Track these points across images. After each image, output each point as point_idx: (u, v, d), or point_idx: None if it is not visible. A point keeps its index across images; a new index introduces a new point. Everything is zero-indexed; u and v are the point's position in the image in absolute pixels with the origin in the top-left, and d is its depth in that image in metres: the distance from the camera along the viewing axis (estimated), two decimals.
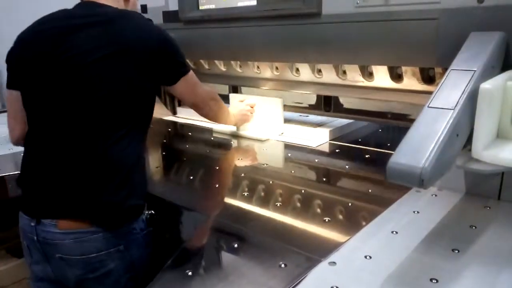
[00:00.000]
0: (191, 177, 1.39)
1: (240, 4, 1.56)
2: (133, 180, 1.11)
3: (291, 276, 0.80)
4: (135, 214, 1.13)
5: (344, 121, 1.82)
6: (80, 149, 1.06)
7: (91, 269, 1.08)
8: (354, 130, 1.81)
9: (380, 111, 1.57)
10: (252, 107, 1.79)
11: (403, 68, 1.37)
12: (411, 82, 1.39)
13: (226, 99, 2.07)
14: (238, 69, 1.86)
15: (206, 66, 2.01)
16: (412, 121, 0.86)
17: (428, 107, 0.87)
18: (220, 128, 1.87)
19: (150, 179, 1.45)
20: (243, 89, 2.03)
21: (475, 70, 0.90)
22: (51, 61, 1.06)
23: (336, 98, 1.70)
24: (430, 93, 0.91)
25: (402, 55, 1.23)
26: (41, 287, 1.17)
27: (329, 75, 1.56)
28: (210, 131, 1.95)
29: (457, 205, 1.09)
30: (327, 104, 1.73)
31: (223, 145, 1.79)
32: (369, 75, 1.49)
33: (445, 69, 0.97)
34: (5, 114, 1.22)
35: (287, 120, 1.85)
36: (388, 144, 1.53)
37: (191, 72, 1.28)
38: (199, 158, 1.63)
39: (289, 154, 1.59)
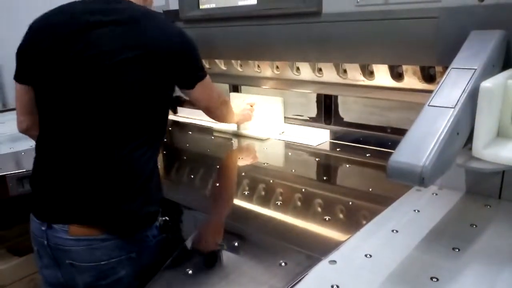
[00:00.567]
0: (191, 176, 1.39)
1: (240, 3, 1.56)
2: (150, 187, 1.07)
3: (291, 274, 0.80)
4: (150, 221, 1.10)
5: None
6: (97, 155, 1.02)
7: (102, 276, 1.04)
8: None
9: (380, 126, 1.57)
10: (252, 106, 1.78)
11: (404, 67, 1.37)
12: (411, 81, 1.38)
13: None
14: (239, 68, 1.86)
15: (207, 65, 2.00)
16: None
17: (428, 105, 0.87)
18: (220, 127, 1.87)
19: None
20: (243, 88, 2.02)
21: (475, 69, 0.90)
22: (68, 58, 1.00)
23: (336, 111, 1.70)
24: (430, 91, 0.91)
25: (403, 53, 1.23)
26: None
27: (329, 74, 1.56)
28: (210, 130, 1.95)
29: (458, 204, 1.08)
30: (327, 117, 1.73)
31: (223, 144, 1.79)
32: (369, 74, 1.49)
33: (445, 68, 0.97)
34: (5, 113, 1.20)
35: (287, 119, 1.84)
36: (389, 143, 1.53)
37: (207, 76, 1.23)
38: (200, 157, 1.63)
39: (290, 153, 1.59)
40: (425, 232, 0.95)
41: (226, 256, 0.89)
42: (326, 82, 1.62)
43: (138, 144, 1.04)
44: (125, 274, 1.06)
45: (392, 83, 1.43)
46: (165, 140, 1.93)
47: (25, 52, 1.08)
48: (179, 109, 2.31)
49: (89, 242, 1.02)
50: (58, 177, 1.05)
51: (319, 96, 1.73)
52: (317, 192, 1.21)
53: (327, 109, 1.73)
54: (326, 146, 1.65)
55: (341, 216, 1.06)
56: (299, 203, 1.15)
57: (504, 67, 0.99)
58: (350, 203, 1.12)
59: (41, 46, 1.04)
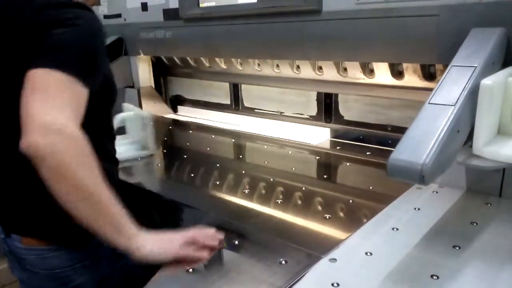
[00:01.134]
0: (192, 175, 1.39)
1: (240, 1, 1.55)
2: None
3: (291, 272, 0.80)
4: None
5: None
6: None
7: (60, 283, 1.02)
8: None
9: (380, 124, 1.57)
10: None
11: (404, 65, 1.37)
12: (412, 79, 1.38)
13: (227, 108, 2.08)
14: (239, 67, 1.86)
15: (207, 64, 2.01)
16: None
17: (428, 103, 0.87)
18: (220, 126, 1.87)
19: (150, 177, 1.45)
20: (243, 86, 2.02)
21: (475, 66, 0.90)
22: None
23: (337, 109, 1.70)
24: (430, 89, 0.91)
25: (403, 51, 1.23)
26: None
27: (330, 72, 1.56)
28: (210, 129, 1.95)
29: (458, 202, 1.08)
30: (327, 115, 1.73)
31: (223, 143, 1.79)
32: (370, 72, 1.49)
33: (445, 66, 0.97)
34: None
35: (288, 118, 1.84)
36: (389, 141, 1.53)
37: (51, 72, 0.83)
38: (199, 155, 1.63)
39: (290, 152, 1.59)
40: (426, 230, 0.94)
41: (227, 254, 0.89)
42: (326, 81, 1.62)
43: None
44: (83, 282, 1.04)
45: (392, 81, 1.43)
46: (165, 138, 1.94)
47: None
48: (180, 108, 2.32)
49: (40, 251, 1.00)
50: (4, 191, 1.00)
51: (319, 95, 1.73)
52: (317, 191, 1.21)
53: (327, 108, 1.73)
54: (327, 145, 1.65)
55: (341, 214, 1.06)
56: (299, 202, 1.14)
57: (504, 65, 0.98)
58: (351, 201, 1.12)
59: None
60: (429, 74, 1.36)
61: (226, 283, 0.79)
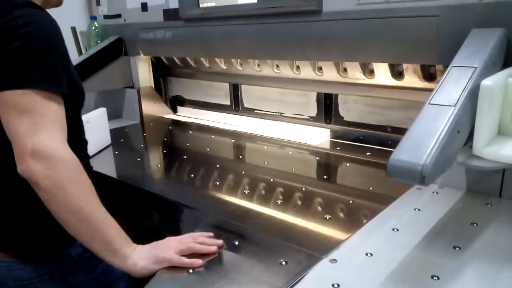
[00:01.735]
0: (192, 175, 1.39)
1: (240, 1, 1.55)
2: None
3: (292, 273, 0.80)
4: (68, 241, 0.97)
5: None
6: None
7: None
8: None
9: (380, 125, 1.57)
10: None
11: (404, 66, 1.37)
12: (412, 79, 1.38)
13: (227, 109, 2.08)
14: (239, 67, 1.86)
15: (207, 64, 2.01)
16: None
17: (429, 104, 0.87)
18: (220, 127, 1.87)
19: (150, 177, 1.45)
20: (243, 87, 2.02)
21: (476, 67, 0.90)
22: None
23: (337, 110, 1.70)
24: (430, 90, 0.91)
25: (403, 52, 1.22)
26: None
27: (330, 72, 1.56)
28: (210, 129, 1.95)
29: (458, 203, 1.08)
30: (327, 116, 1.73)
31: (223, 143, 1.78)
32: (370, 72, 1.49)
33: (446, 66, 0.97)
34: None
35: (287, 119, 1.84)
36: (389, 142, 1.53)
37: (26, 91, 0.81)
38: (199, 156, 1.63)
39: (290, 152, 1.58)
40: (426, 230, 0.94)
41: (226, 254, 0.89)
42: (326, 81, 1.61)
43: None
44: None
45: (392, 81, 1.43)
46: (165, 139, 1.94)
47: None
48: (179, 108, 2.32)
49: (7, 263, 0.98)
50: None
51: (319, 95, 1.73)
52: (317, 191, 1.21)
53: (327, 109, 1.73)
54: (326, 145, 1.65)
55: (341, 215, 1.06)
56: (299, 202, 1.14)
57: (505, 65, 0.98)
58: (351, 201, 1.12)
59: None
60: (429, 75, 1.36)
61: (226, 284, 0.79)
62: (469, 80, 0.88)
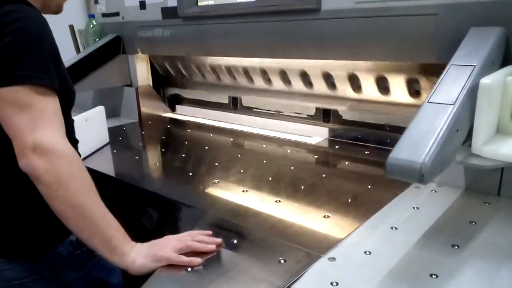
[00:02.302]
0: (190, 174, 1.38)
1: (239, 0, 1.55)
2: (44, 205, 0.83)
3: (290, 272, 0.80)
4: (57, 239, 0.98)
5: None
6: None
7: None
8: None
9: (379, 123, 1.57)
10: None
11: (390, 81, 1.42)
12: (399, 94, 1.42)
13: (225, 108, 2.08)
14: (237, 80, 1.88)
15: (200, 76, 2.03)
16: None
17: (428, 102, 0.87)
18: (219, 125, 1.87)
19: (149, 176, 1.45)
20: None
21: (474, 65, 0.90)
22: None
23: (335, 109, 1.70)
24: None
25: (402, 50, 1.23)
26: None
27: (320, 86, 1.59)
28: (209, 128, 1.94)
29: (457, 201, 1.08)
30: (326, 115, 1.73)
31: (221, 141, 1.78)
32: (358, 88, 1.51)
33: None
34: None
35: (286, 117, 1.84)
36: (388, 141, 1.53)
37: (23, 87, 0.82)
38: (197, 154, 1.62)
39: (288, 151, 1.58)
40: (425, 229, 0.94)
41: (225, 253, 0.89)
42: (317, 94, 1.67)
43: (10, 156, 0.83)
44: None
45: (380, 96, 1.47)
46: (163, 137, 1.93)
47: None
48: (178, 107, 2.32)
49: None
50: None
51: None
52: (316, 189, 1.21)
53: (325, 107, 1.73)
54: (325, 144, 1.64)
55: (340, 213, 1.06)
56: (298, 200, 1.14)
57: (503, 64, 0.98)
58: (349, 200, 1.12)
59: None
60: (414, 92, 1.39)
61: (225, 282, 0.79)
62: (468, 78, 0.88)
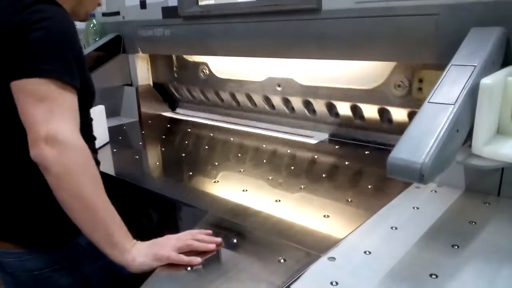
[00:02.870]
0: (190, 173, 1.38)
1: None
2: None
3: (290, 271, 0.80)
4: (76, 230, 0.93)
5: None
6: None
7: (41, 284, 1.02)
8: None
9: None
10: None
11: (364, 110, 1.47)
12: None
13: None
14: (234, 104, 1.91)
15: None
16: None
17: (428, 102, 0.87)
18: (219, 124, 1.87)
19: (149, 175, 1.45)
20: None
21: (475, 66, 0.90)
22: None
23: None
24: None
25: (403, 51, 1.23)
26: None
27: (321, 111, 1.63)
28: (209, 127, 1.94)
29: (457, 201, 1.08)
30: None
31: (222, 141, 1.78)
32: (360, 117, 1.55)
33: (441, 69, 0.96)
34: None
35: (286, 117, 1.84)
36: (388, 141, 1.53)
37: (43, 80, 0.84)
38: (198, 154, 1.62)
39: (289, 151, 1.58)
40: (425, 229, 0.94)
41: (225, 252, 0.89)
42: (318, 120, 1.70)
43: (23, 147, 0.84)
44: (66, 284, 1.03)
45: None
46: (164, 136, 1.93)
47: None
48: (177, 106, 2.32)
49: (17, 255, 0.99)
50: None
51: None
52: (316, 189, 1.21)
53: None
54: (326, 143, 1.64)
55: (340, 213, 1.06)
56: (298, 200, 1.14)
57: (504, 64, 0.98)
58: (349, 200, 1.12)
59: None
60: (387, 120, 1.44)
61: (225, 282, 0.79)
62: (468, 78, 0.88)
